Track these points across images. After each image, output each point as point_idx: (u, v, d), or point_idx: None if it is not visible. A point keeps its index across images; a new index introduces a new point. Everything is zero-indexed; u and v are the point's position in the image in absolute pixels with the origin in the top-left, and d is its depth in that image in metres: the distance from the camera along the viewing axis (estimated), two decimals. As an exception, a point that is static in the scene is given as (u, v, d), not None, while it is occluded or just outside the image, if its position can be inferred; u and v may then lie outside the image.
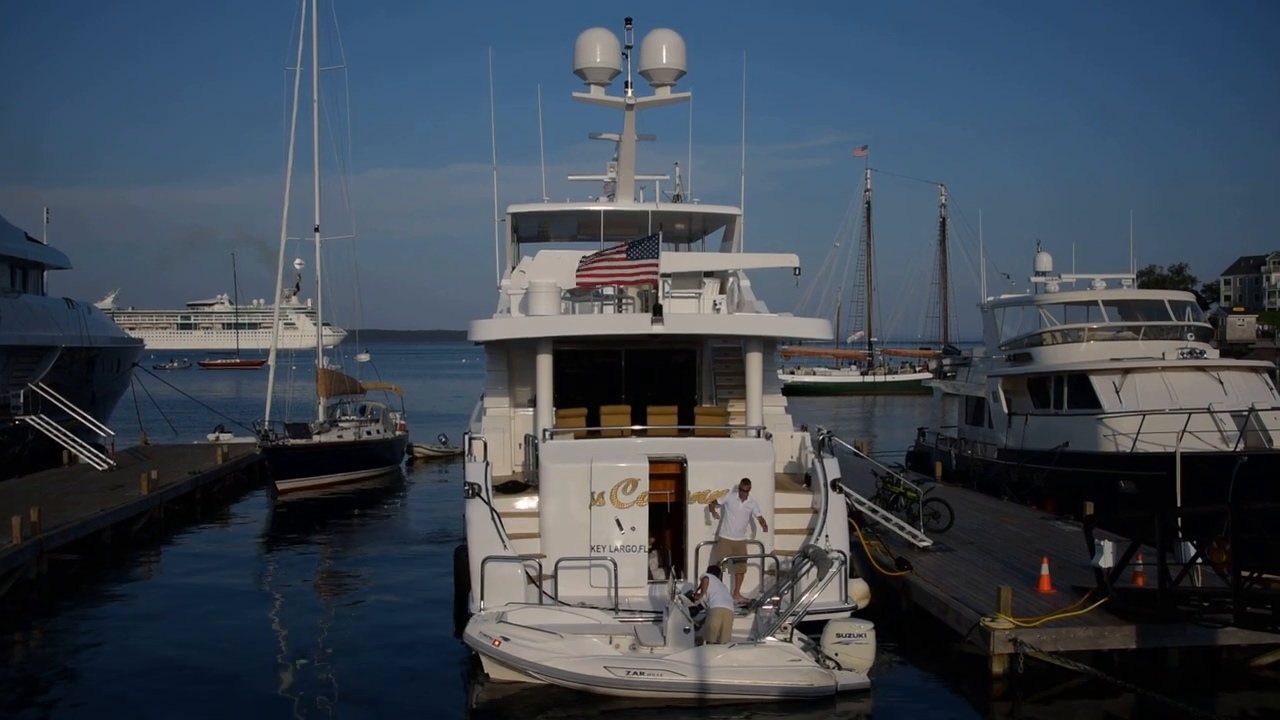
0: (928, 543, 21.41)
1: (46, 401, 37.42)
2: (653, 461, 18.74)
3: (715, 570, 16.52)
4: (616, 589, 17.54)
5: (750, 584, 18.25)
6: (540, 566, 17.69)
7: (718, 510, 18.16)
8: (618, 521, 18.32)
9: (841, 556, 17.48)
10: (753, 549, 18.16)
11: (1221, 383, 27.58)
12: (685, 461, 18.78)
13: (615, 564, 17.81)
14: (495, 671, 15.68)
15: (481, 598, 16.86)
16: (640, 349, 22.72)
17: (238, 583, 23.49)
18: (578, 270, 20.54)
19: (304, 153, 40.73)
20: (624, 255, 19.84)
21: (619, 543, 18.23)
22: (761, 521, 17.95)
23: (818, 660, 15.42)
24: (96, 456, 34.93)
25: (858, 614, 17.38)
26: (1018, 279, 38.70)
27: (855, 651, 15.65)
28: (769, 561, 18.08)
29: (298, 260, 42.31)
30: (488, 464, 19.17)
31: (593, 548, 18.17)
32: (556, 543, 18.22)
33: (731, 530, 17.84)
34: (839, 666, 15.48)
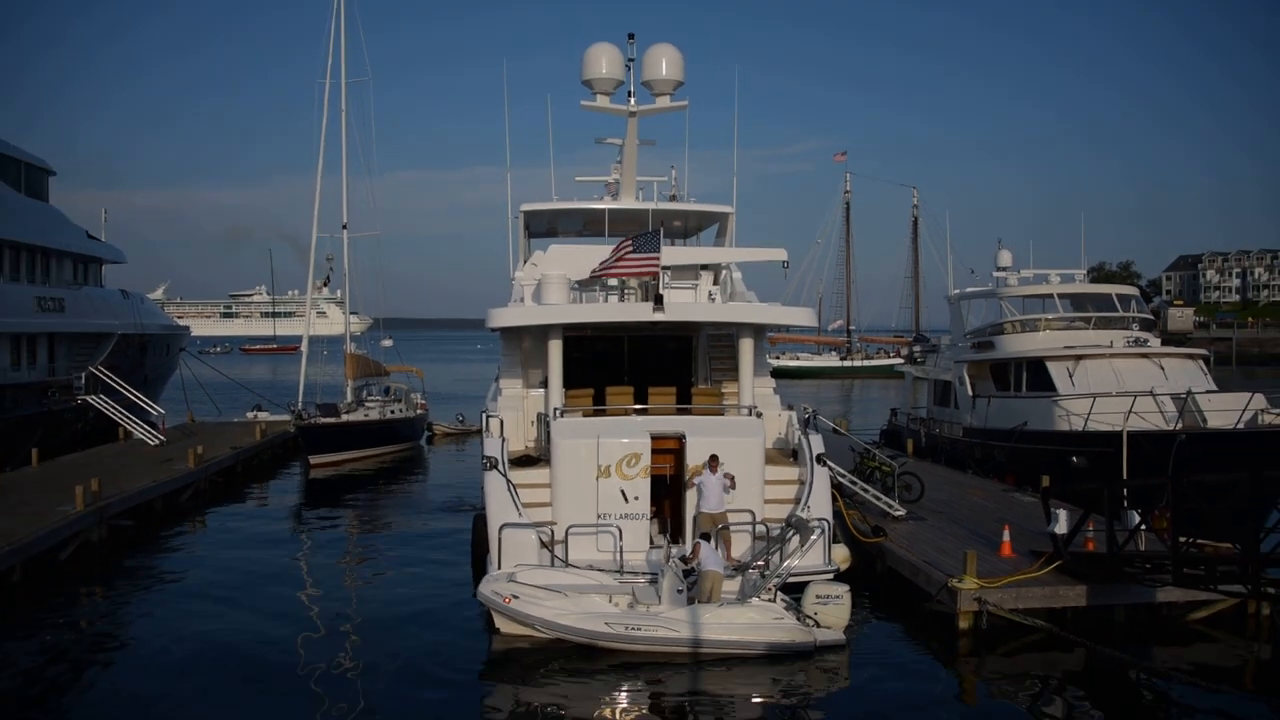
0: (902, 512, 21.40)
1: (104, 383, 37.39)
2: (654, 437, 18.71)
3: (706, 537, 16.53)
4: (621, 553, 17.54)
5: (742, 548, 18.26)
6: (552, 533, 17.69)
7: (694, 483, 18.07)
8: (622, 492, 18.28)
9: (823, 525, 17.50)
10: (742, 516, 18.12)
11: (1162, 368, 27.64)
12: (684, 437, 18.74)
13: (620, 530, 17.81)
14: (505, 626, 15.68)
15: (499, 560, 16.85)
16: (641, 335, 22.68)
17: (274, 548, 23.48)
18: (595, 268, 20.47)
19: (333, 157, 40.65)
20: (630, 248, 19.85)
21: (623, 511, 18.23)
22: (730, 479, 17.76)
23: (799, 619, 15.46)
24: (149, 432, 34.90)
25: (839, 576, 17.44)
26: (981, 274, 38.69)
27: (833, 611, 15.69)
28: (759, 528, 18.07)
29: (328, 255, 42.29)
30: (504, 439, 19.14)
31: (599, 515, 18.16)
32: (566, 511, 18.20)
33: (710, 504, 17.71)
34: (818, 624, 15.51)
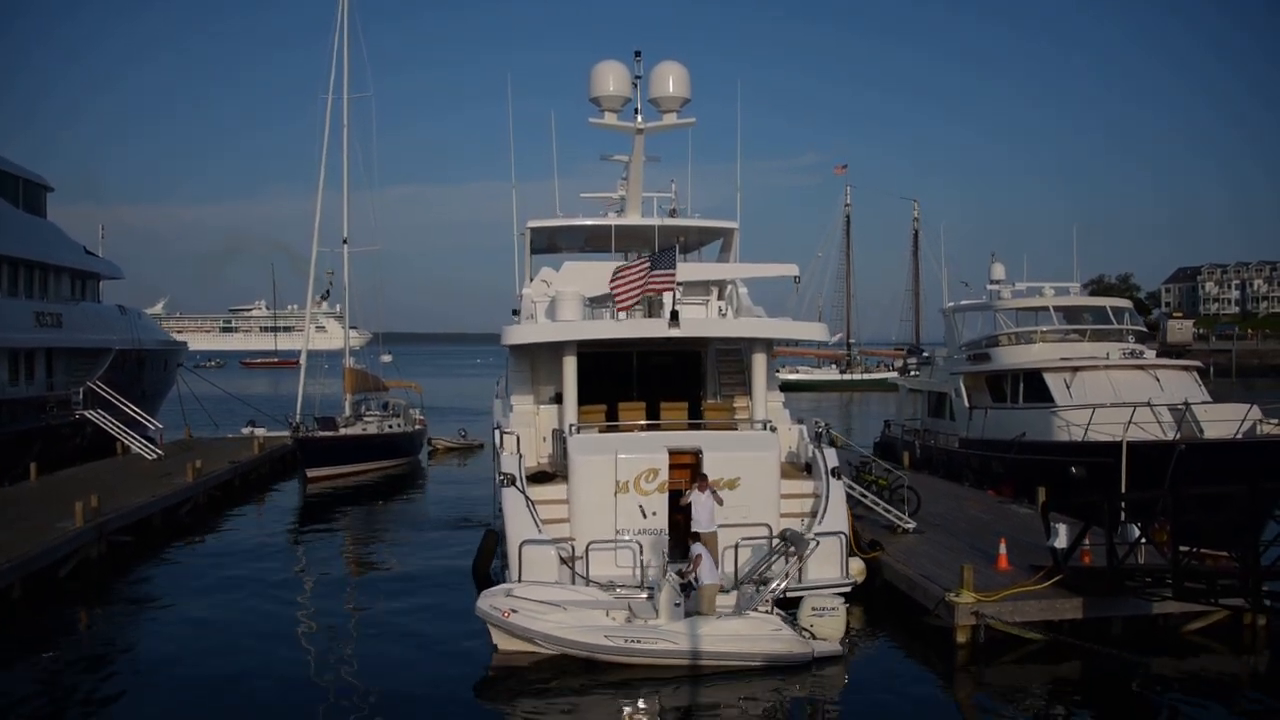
0: (912, 525, 21.38)
1: (102, 398, 37.47)
2: (671, 452, 18.72)
3: (695, 537, 16.65)
4: (643, 568, 17.60)
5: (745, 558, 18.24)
6: (572, 548, 17.72)
7: (685, 503, 17.98)
8: (640, 507, 18.28)
9: (839, 538, 17.83)
10: (758, 530, 18.11)
11: (1158, 380, 27.82)
12: (700, 452, 18.74)
13: (641, 546, 17.85)
14: (504, 642, 15.67)
15: (519, 577, 16.90)
16: (650, 350, 22.73)
17: (273, 561, 23.48)
18: (612, 287, 20.49)
19: (334, 171, 40.69)
20: (647, 267, 19.95)
21: (641, 526, 18.24)
22: (718, 499, 17.77)
23: (796, 631, 15.52)
24: (147, 447, 34.98)
25: (855, 588, 17.70)
26: (975, 287, 38.82)
27: (829, 623, 15.79)
28: (777, 542, 18.08)
29: (327, 270, 42.34)
30: (521, 456, 19.14)
31: (618, 531, 18.17)
32: (585, 527, 18.18)
33: (701, 523, 17.65)
34: (814, 636, 15.59)
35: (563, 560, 17.21)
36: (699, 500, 17.68)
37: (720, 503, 17.83)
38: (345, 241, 41.26)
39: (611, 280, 20.37)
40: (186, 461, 30.53)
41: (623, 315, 21.86)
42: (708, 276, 23.76)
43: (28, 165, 39.80)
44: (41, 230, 39.77)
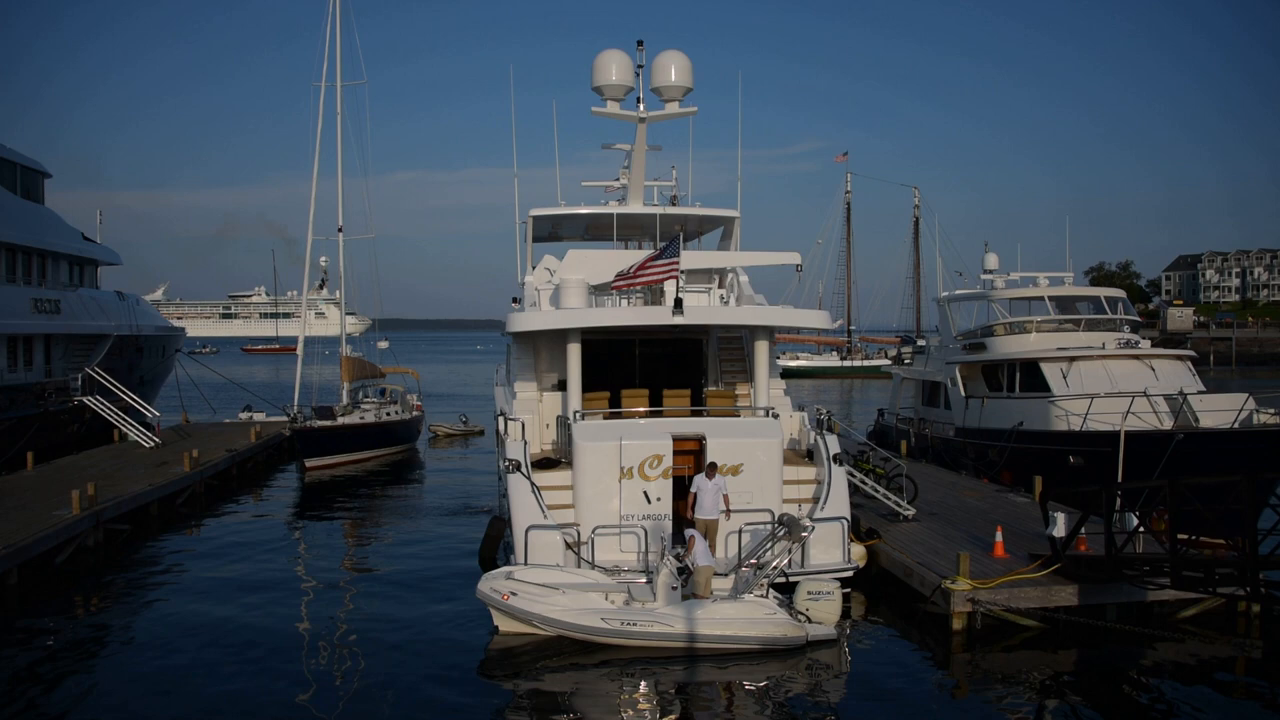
0: (912, 512, 21.45)
1: (100, 384, 37.53)
2: (675, 439, 18.84)
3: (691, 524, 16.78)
4: (647, 553, 17.75)
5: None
6: (578, 534, 17.84)
7: (691, 492, 18.10)
8: (645, 493, 18.42)
9: (841, 523, 18.05)
10: (761, 515, 18.23)
11: (1153, 369, 27.86)
12: (704, 439, 18.85)
13: (645, 531, 17.98)
14: (504, 624, 15.87)
15: (525, 561, 17.07)
16: (652, 338, 22.80)
17: (270, 551, 23.50)
18: (629, 276, 20.49)
19: (328, 159, 40.60)
20: (654, 259, 20.01)
21: (645, 512, 18.37)
22: (726, 499, 17.93)
23: (791, 614, 15.62)
24: (144, 434, 34.99)
25: (856, 573, 17.90)
26: (970, 276, 38.84)
27: (824, 607, 15.95)
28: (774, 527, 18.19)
29: (323, 258, 42.32)
30: (526, 443, 19.25)
31: (622, 517, 18.31)
32: (590, 512, 18.35)
33: (704, 509, 17.83)
34: (809, 620, 15.71)
35: (568, 545, 17.36)
36: (705, 486, 17.82)
37: (728, 503, 17.91)
38: (340, 230, 41.27)
39: (625, 273, 20.42)
40: (183, 450, 30.54)
41: (624, 302, 21.94)
42: (709, 264, 23.80)
43: (28, 152, 39.75)
44: (39, 216, 39.74)
